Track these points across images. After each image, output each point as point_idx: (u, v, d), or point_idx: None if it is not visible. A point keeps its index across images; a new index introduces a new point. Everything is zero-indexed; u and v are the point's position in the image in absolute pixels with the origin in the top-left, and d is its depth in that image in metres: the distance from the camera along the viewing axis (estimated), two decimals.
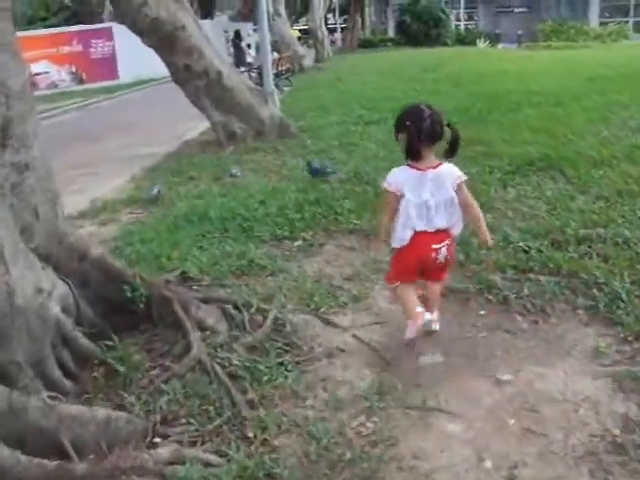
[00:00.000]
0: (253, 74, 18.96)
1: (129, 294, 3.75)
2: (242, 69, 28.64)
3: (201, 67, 9.85)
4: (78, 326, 3.66)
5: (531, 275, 4.65)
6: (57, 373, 3.38)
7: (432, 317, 3.94)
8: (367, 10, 55.27)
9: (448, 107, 11.55)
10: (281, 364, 3.62)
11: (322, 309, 4.30)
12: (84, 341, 3.60)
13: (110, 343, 3.64)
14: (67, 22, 38.02)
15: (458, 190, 3.74)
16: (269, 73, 15.11)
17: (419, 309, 3.89)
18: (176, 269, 4.99)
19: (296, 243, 5.68)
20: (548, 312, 4.21)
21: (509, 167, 7.53)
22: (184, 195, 7.67)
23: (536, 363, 3.67)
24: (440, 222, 3.72)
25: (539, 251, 5.01)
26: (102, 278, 3.84)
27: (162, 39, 9.50)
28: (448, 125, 3.68)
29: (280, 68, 20.56)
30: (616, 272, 4.50)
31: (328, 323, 4.16)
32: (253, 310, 4.06)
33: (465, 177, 3.80)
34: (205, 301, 4.05)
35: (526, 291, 4.40)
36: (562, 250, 5.01)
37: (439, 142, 3.72)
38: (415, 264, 3.83)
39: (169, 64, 9.96)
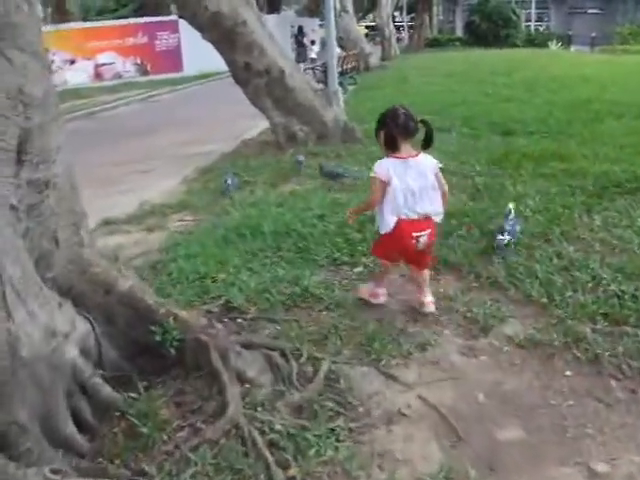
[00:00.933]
0: (317, 72, 18.37)
1: (159, 338, 3.22)
2: (303, 66, 28.40)
3: (262, 65, 9.34)
4: (99, 369, 3.16)
5: (627, 328, 3.96)
6: (70, 429, 2.88)
7: (426, 299, 4.30)
8: (435, 9, 54.35)
9: (524, 116, 10.93)
10: (332, 431, 3.03)
11: (383, 360, 3.69)
12: (105, 389, 3.09)
13: (134, 395, 3.11)
14: (136, 13, 38.27)
15: (436, 177, 4.12)
16: (334, 72, 14.58)
17: (381, 290, 4.50)
18: (221, 296, 4.48)
19: (356, 269, 5.09)
20: None
21: (593, 188, 6.78)
22: (238, 202, 7.16)
23: (637, 449, 3.01)
24: (422, 207, 4.07)
25: (634, 297, 4.32)
26: (130, 315, 3.32)
27: (222, 34, 9.04)
28: (422, 121, 4.13)
29: (345, 66, 19.98)
30: None
31: (389, 377, 3.56)
32: (303, 359, 3.49)
33: (441, 165, 4.22)
34: (248, 346, 3.49)
35: (621, 349, 3.72)
36: None
37: (415, 136, 4.10)
38: (395, 250, 4.25)
39: (229, 61, 9.49)
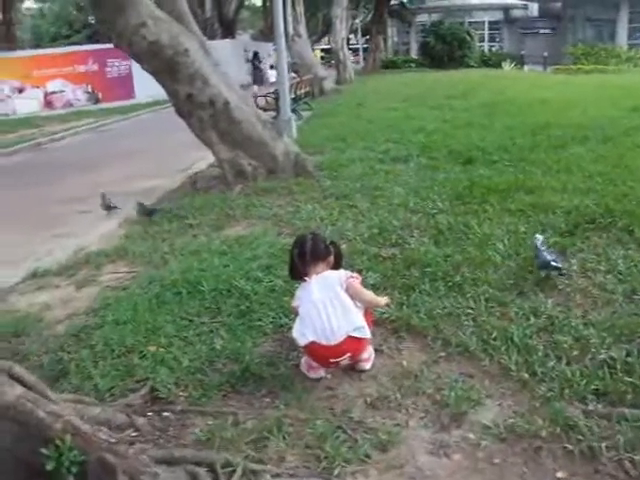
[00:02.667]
0: (270, 99, 17.79)
1: (51, 465, 2.52)
2: (256, 88, 27.82)
3: (206, 96, 8.66)
4: None
5: (625, 410, 3.36)
6: None
7: (362, 356, 3.96)
8: (389, 31, 54.36)
9: (485, 143, 10.42)
10: None
11: (336, 468, 3.00)
12: None
13: None
14: (90, 40, 37.68)
15: (348, 289, 3.84)
16: (286, 99, 14.11)
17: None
18: (148, 379, 3.79)
19: None
20: None
21: (565, 226, 6.23)
22: (179, 250, 6.47)
23: None
24: (333, 332, 3.69)
25: (628, 366, 3.74)
26: (18, 432, 2.62)
27: (162, 65, 8.35)
28: (331, 243, 4.22)
29: (299, 91, 19.41)
30: None
31: None
32: (236, 477, 2.80)
33: (349, 275, 3.95)
34: (168, 462, 2.80)
35: (621, 439, 3.10)
36: None
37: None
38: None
39: (170, 93, 8.78)
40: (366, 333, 3.79)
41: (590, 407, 3.39)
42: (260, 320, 4.59)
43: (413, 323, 4.37)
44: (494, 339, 4.09)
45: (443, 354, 4.04)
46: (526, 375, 3.72)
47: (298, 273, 4.00)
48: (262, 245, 6.23)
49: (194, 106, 8.68)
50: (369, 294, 4.05)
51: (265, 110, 16.90)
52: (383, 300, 4.14)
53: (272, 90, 18.20)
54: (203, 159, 11.86)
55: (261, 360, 4.01)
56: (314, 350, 3.73)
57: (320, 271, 3.92)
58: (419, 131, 12.45)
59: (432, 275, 5.09)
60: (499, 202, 7.05)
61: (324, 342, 3.66)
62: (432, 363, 3.95)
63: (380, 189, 7.96)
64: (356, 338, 3.72)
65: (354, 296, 3.85)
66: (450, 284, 4.92)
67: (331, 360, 3.74)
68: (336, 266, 4.07)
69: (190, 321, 4.65)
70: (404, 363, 3.97)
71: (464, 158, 9.53)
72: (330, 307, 3.72)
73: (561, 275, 5.01)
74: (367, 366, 3.93)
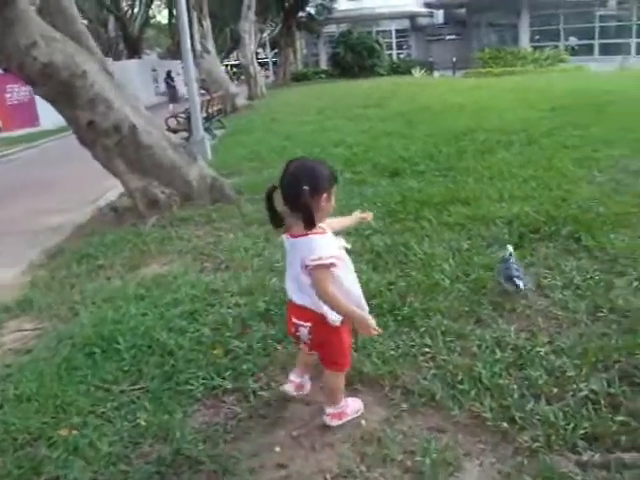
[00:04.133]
0: (181, 119, 17.07)
1: None
2: (172, 107, 26.92)
3: (110, 122, 7.90)
4: None
5: (623, 455, 2.91)
6: None
7: (326, 411, 3.41)
8: (298, 43, 54.21)
9: (409, 153, 10.06)
10: None
11: None
12: None
13: None
14: None
15: (312, 271, 2.94)
16: (198, 119, 13.53)
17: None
18: (58, 478, 3.11)
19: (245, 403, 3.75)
20: None
21: (509, 237, 5.85)
22: (91, 297, 5.73)
23: None
24: (294, 295, 3.19)
25: (611, 399, 3.32)
26: None
27: (58, 89, 7.52)
28: (313, 189, 2.90)
29: (211, 109, 18.72)
30: None
31: None
32: None
33: (319, 262, 2.89)
34: None
35: None
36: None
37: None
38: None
39: (70, 120, 7.95)
40: (323, 311, 3.06)
41: (584, 457, 2.93)
42: (188, 383, 3.92)
43: (366, 371, 3.81)
44: (460, 382, 3.59)
45: (406, 406, 3.49)
46: (504, 424, 3.22)
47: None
48: (183, 286, 5.55)
49: (97, 134, 7.90)
50: (334, 299, 2.95)
51: (176, 131, 16.21)
52: (363, 320, 3.04)
53: (182, 110, 17.49)
54: (116, 187, 11.04)
55: (195, 437, 3.38)
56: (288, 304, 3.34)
57: (292, 227, 3.05)
58: (339, 144, 11.98)
59: (378, 308, 4.48)
60: (435, 216, 6.62)
61: (290, 297, 3.26)
62: (395, 419, 3.40)
63: None
64: (321, 318, 3.09)
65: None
66: (399, 318, 4.40)
67: (293, 319, 3.22)
68: (305, 223, 2.93)
69: (107, 391, 3.93)
70: (363, 423, 3.40)
71: (390, 170, 9.10)
72: (297, 282, 3.13)
73: (517, 292, 4.58)
74: (332, 423, 3.38)
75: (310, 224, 2.91)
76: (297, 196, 2.86)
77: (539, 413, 3.25)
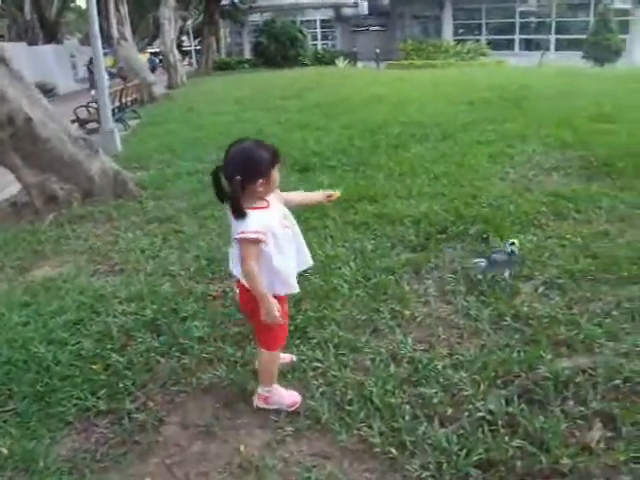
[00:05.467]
0: (92, 109, 16.33)
1: None
2: (94, 92, 25.85)
3: (3, 114, 7.31)
4: None
5: None
6: None
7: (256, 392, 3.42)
8: (222, 31, 53.33)
9: (322, 147, 9.75)
10: None
11: None
12: None
13: None
14: None
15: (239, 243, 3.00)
16: (107, 108, 12.91)
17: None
18: None
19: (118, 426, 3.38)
20: None
21: (415, 239, 5.63)
22: None
23: None
24: (232, 267, 3.25)
25: (510, 417, 3.13)
26: None
27: None
28: (245, 172, 2.94)
29: (125, 99, 17.99)
30: None
31: None
32: None
33: (242, 235, 2.92)
34: None
35: None
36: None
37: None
38: None
39: None
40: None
41: None
42: (61, 404, 3.51)
43: (250, 389, 3.48)
44: (349, 402, 3.30)
45: (290, 430, 3.19)
46: (393, 449, 2.95)
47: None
48: (71, 292, 5.08)
49: None
50: (250, 275, 2.97)
51: (86, 122, 15.52)
52: (268, 306, 3.00)
53: (92, 100, 16.71)
54: (14, 182, 10.38)
55: (60, 467, 3.00)
56: None
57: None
58: (253, 136, 11.56)
59: None
60: (341, 215, 6.35)
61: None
62: (277, 444, 3.09)
63: (210, 208, 6.99)
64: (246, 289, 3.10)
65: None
66: (291, 328, 4.08)
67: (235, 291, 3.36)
68: (234, 214, 2.95)
69: None
70: (242, 449, 3.08)
71: (301, 165, 8.79)
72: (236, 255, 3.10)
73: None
74: (257, 403, 3.39)
75: (237, 213, 2.93)
76: (230, 183, 2.92)
77: (431, 437, 3.00)
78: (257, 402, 3.38)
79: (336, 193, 3.57)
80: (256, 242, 2.93)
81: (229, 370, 3.70)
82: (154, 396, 3.59)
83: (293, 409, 3.32)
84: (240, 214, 2.92)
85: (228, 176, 2.92)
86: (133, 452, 3.15)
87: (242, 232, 2.90)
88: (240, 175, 2.88)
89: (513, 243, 4.61)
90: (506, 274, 4.66)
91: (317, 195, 3.59)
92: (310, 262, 3.36)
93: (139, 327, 4.33)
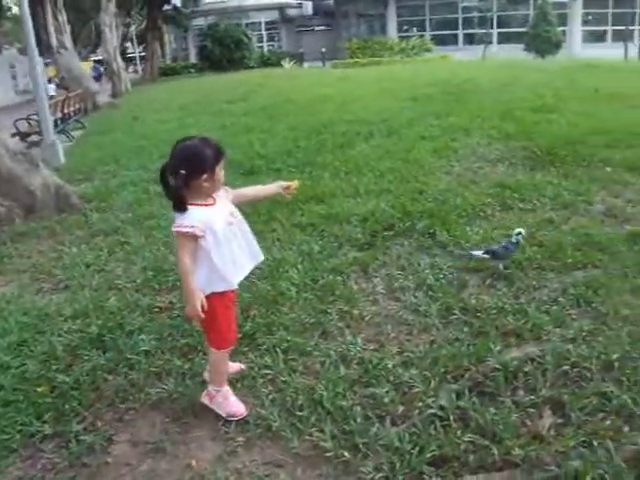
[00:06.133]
0: (33, 121, 15.98)
1: None
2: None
3: None
4: None
5: (468, 475, 2.70)
6: None
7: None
8: (166, 36, 52.84)
9: (267, 149, 9.69)
10: None
11: None
12: None
13: None
14: None
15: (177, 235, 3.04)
16: (47, 120, 12.59)
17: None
18: None
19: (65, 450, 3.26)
20: None
21: (362, 237, 5.62)
22: None
23: None
24: None
25: (461, 411, 3.13)
26: None
27: None
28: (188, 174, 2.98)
29: (68, 109, 17.65)
30: None
31: None
32: None
33: (177, 229, 2.98)
34: None
35: None
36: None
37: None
38: None
39: None
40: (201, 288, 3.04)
41: None
42: (5, 431, 3.38)
43: (199, 401, 3.41)
44: (300, 407, 3.26)
45: (242, 440, 3.13)
46: (346, 453, 2.92)
47: None
48: (15, 312, 4.89)
49: None
50: (181, 269, 3.02)
51: (28, 135, 15.20)
52: (190, 301, 3.01)
53: (33, 112, 16.35)
54: None
55: None
56: None
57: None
58: None
59: None
60: (287, 217, 6.32)
61: None
62: (229, 456, 3.03)
63: (155, 217, 6.87)
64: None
65: None
66: (239, 335, 4.02)
67: None
68: (175, 208, 3.01)
69: None
70: (193, 463, 3.01)
71: (246, 168, 8.71)
72: None
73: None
74: (202, 399, 3.40)
75: (178, 207, 2.98)
76: (175, 178, 2.95)
77: (383, 438, 2.98)
78: (203, 398, 3.39)
79: (294, 183, 3.55)
80: (191, 236, 2.95)
81: (178, 383, 3.62)
82: (102, 415, 3.48)
83: (232, 418, 3.27)
84: (181, 208, 2.97)
85: (173, 171, 2.95)
86: (82, 475, 3.05)
87: (178, 225, 2.96)
88: (185, 170, 2.92)
89: (520, 233, 4.64)
90: (501, 266, 4.72)
91: (272, 187, 3.55)
92: (261, 256, 3.36)
93: (85, 345, 4.21)
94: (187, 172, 2.93)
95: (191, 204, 2.99)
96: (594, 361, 3.46)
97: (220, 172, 3.06)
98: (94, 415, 3.48)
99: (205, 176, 2.97)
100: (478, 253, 4.77)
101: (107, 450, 3.21)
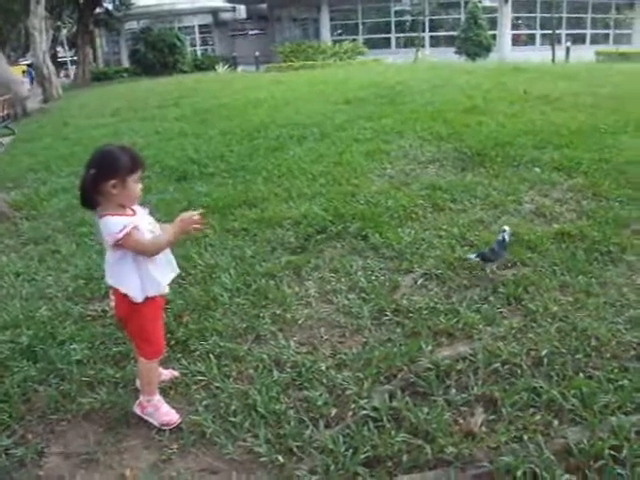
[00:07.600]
0: None
1: None
2: None
3: None
4: None
5: (402, 475, 2.74)
6: None
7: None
8: (98, 40, 51.87)
9: (200, 154, 9.60)
10: None
11: None
12: None
13: None
14: None
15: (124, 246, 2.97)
16: None
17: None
18: None
19: None
20: None
21: (295, 241, 5.64)
22: None
23: None
24: (107, 277, 3.18)
25: (394, 411, 3.19)
26: None
27: None
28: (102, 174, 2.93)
29: None
30: None
31: None
32: None
33: (123, 232, 2.89)
34: None
35: None
36: None
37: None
38: None
39: None
40: (124, 289, 3.08)
41: None
42: None
43: (131, 410, 3.37)
44: (234, 413, 3.25)
45: (176, 447, 3.12)
46: (280, 457, 2.93)
47: None
48: None
49: None
50: (157, 243, 3.05)
51: None
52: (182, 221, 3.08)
53: None
54: None
55: None
56: None
57: (99, 206, 3.02)
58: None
59: None
60: (220, 222, 6.27)
61: None
62: (163, 464, 3.02)
63: (87, 224, 6.74)
64: (123, 295, 3.10)
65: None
66: (172, 342, 3.99)
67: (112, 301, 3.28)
68: (82, 203, 3.03)
69: None
70: (127, 473, 2.98)
71: (178, 174, 8.61)
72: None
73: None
74: (134, 409, 3.36)
75: (84, 203, 2.99)
76: (85, 174, 2.93)
77: (317, 441, 3.00)
78: (135, 408, 3.36)
79: (192, 213, 3.12)
80: (131, 234, 2.92)
81: (110, 392, 3.57)
82: (33, 428, 3.41)
83: (165, 427, 3.25)
84: (87, 204, 2.99)
85: (85, 169, 2.94)
86: None
87: (124, 227, 2.91)
88: (94, 169, 2.90)
89: (504, 230, 4.67)
90: (490, 268, 4.76)
91: (174, 225, 3.09)
92: (177, 270, 3.32)
93: (15, 356, 4.11)
94: (96, 172, 2.89)
95: (109, 214, 2.94)
96: (524, 357, 3.57)
97: (135, 185, 3.00)
98: (25, 428, 3.41)
99: (113, 182, 2.91)
100: (472, 257, 4.81)
101: (39, 463, 3.15)
